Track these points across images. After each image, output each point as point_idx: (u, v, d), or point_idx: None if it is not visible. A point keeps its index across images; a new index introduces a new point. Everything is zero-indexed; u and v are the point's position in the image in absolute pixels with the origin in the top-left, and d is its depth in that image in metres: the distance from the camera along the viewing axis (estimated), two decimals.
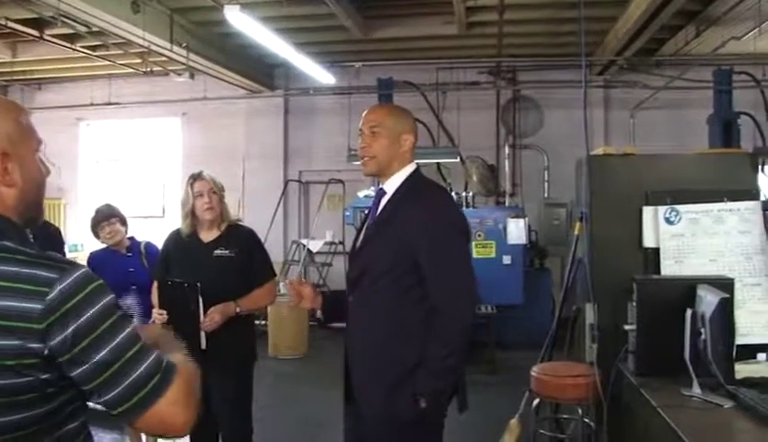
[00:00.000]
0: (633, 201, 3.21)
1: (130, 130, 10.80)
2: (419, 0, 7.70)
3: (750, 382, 2.35)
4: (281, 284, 5.01)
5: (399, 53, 8.89)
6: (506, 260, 7.19)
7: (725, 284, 2.54)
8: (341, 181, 9.48)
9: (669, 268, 3.11)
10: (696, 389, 2.36)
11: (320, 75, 8.80)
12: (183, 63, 7.83)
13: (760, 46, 7.22)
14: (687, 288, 2.53)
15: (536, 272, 8.14)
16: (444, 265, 2.18)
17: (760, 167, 3.31)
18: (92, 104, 10.05)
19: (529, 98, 9.65)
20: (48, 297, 1.11)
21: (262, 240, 3.42)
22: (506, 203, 8.89)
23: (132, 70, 8.86)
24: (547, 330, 4.52)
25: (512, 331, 7.14)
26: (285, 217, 10.16)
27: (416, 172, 2.36)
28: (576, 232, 3.87)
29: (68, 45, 7.86)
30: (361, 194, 7.73)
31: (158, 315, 3.03)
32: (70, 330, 1.12)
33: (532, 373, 3.59)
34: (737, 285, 2.70)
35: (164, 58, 7.94)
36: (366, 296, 2.30)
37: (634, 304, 2.69)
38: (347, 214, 7.63)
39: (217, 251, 3.11)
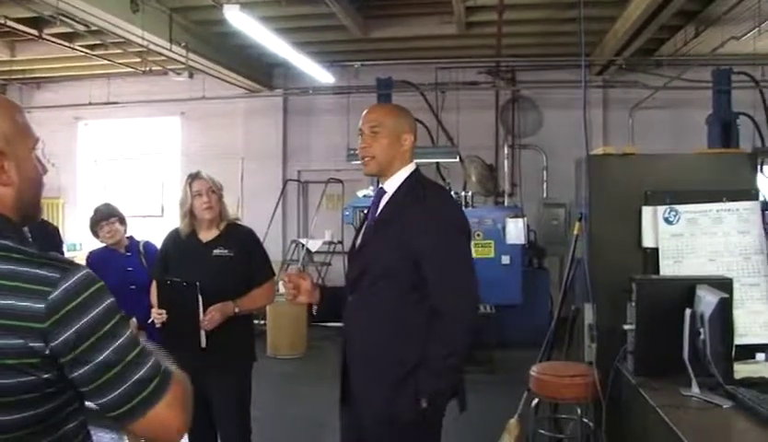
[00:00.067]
0: (632, 201, 3.20)
1: (128, 129, 10.79)
2: (418, 0, 7.70)
3: (748, 382, 2.35)
4: (280, 283, 5.01)
5: (398, 53, 8.89)
6: (505, 259, 7.19)
7: (724, 284, 2.54)
8: (340, 181, 9.47)
9: (668, 268, 3.11)
10: (695, 389, 2.36)
11: (320, 74, 8.80)
12: (182, 63, 7.82)
13: (759, 46, 7.23)
14: (686, 288, 2.53)
15: (534, 271, 8.15)
16: (445, 265, 2.18)
17: (759, 167, 3.31)
18: (91, 103, 10.05)
19: (528, 97, 9.65)
20: (51, 297, 1.11)
21: (261, 240, 3.41)
22: (505, 203, 8.90)
23: (130, 69, 8.86)
24: (546, 329, 4.53)
25: (511, 330, 7.14)
26: (284, 217, 10.16)
27: (416, 172, 2.36)
28: (575, 232, 3.87)
29: (67, 44, 7.86)
30: (360, 194, 7.73)
31: (157, 314, 3.02)
32: (73, 330, 1.11)
33: (531, 373, 3.59)
34: (735, 285, 2.70)
35: (163, 57, 7.94)
36: (365, 297, 2.29)
37: (633, 304, 2.69)
38: (346, 213, 7.63)
39: (216, 251, 3.11)
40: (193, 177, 3.17)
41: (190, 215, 3.14)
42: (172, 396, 1.19)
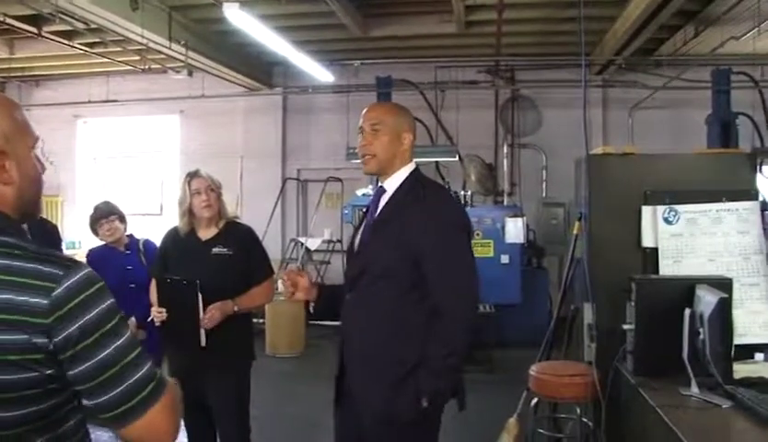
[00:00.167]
0: (631, 200, 3.20)
1: (128, 127, 10.78)
2: None
3: (748, 382, 2.35)
4: (279, 281, 5.01)
5: (398, 52, 8.88)
6: (504, 259, 7.19)
7: (723, 284, 2.54)
8: (339, 180, 9.47)
9: (667, 268, 3.11)
10: (694, 389, 2.36)
11: (319, 73, 8.79)
12: (182, 61, 7.81)
13: (758, 46, 7.23)
14: (685, 288, 2.53)
15: (534, 271, 8.15)
16: (445, 265, 2.18)
17: (758, 167, 3.31)
18: (90, 101, 10.03)
19: (527, 97, 9.65)
20: (54, 293, 1.11)
21: (260, 238, 3.41)
22: (505, 203, 8.90)
23: (130, 67, 8.85)
24: (545, 329, 4.52)
25: (510, 330, 7.15)
26: (283, 215, 10.16)
27: (416, 171, 2.35)
28: (574, 231, 3.87)
29: (66, 42, 7.85)
30: (359, 192, 7.73)
31: (157, 313, 3.02)
32: (76, 326, 1.11)
33: (531, 372, 3.59)
34: (735, 285, 2.70)
35: (162, 55, 7.92)
36: (364, 296, 2.29)
37: (633, 303, 2.69)
38: (345, 212, 7.62)
39: (215, 249, 3.10)
40: (192, 175, 3.16)
41: (189, 213, 3.14)
42: (167, 399, 1.20)
